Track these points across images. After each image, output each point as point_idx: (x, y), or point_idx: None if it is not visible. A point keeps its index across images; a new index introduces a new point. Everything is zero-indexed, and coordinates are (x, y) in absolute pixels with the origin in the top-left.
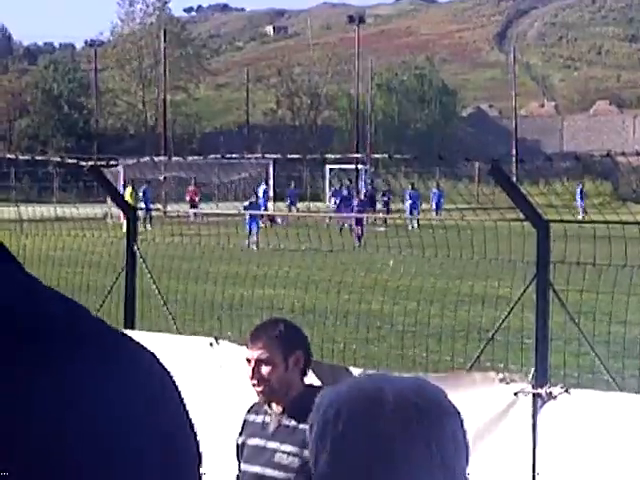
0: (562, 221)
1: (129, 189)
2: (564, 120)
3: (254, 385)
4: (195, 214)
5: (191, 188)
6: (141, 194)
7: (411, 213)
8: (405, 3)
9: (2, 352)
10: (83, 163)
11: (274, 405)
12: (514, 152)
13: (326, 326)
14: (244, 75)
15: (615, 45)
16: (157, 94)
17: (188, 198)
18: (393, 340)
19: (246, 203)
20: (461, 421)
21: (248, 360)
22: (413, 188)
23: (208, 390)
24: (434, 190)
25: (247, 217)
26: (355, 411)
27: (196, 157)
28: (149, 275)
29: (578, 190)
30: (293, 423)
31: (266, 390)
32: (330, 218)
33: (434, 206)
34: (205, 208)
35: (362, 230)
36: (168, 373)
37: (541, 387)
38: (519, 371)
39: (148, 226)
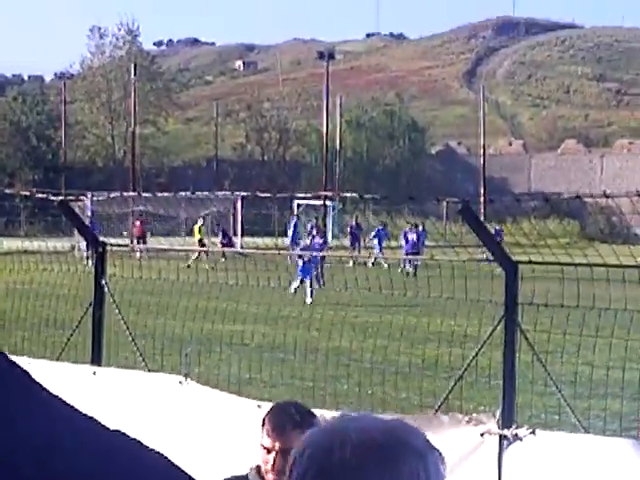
0: (531, 262)
1: (199, 224)
2: (532, 158)
3: (268, 472)
4: (146, 250)
5: (137, 223)
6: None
7: (380, 251)
8: (375, 40)
9: None
10: (52, 197)
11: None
12: (482, 190)
13: (294, 363)
14: (213, 109)
15: (583, 84)
16: (126, 127)
17: (135, 233)
18: (362, 378)
19: (301, 244)
20: (429, 464)
21: (267, 449)
22: (385, 227)
23: (177, 428)
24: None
25: (299, 263)
26: (315, 451)
27: (165, 193)
28: (117, 310)
29: None
30: None
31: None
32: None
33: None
34: (175, 244)
35: (322, 269)
36: None
37: (507, 428)
38: (486, 410)
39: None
